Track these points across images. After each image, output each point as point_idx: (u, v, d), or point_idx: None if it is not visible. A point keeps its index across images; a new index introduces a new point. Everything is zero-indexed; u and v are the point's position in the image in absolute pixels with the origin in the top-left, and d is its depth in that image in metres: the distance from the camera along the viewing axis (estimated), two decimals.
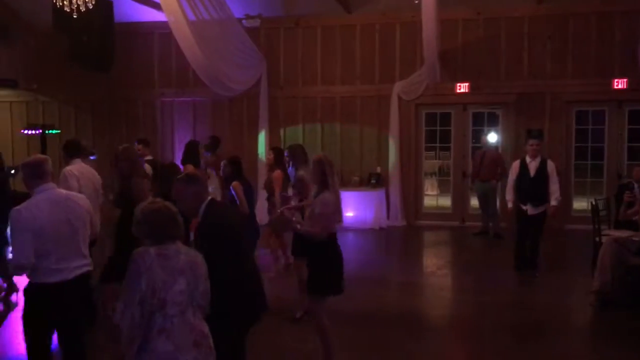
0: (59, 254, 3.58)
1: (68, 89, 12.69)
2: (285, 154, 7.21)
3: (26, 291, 3.65)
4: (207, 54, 10.00)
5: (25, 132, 11.37)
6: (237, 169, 6.47)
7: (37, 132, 11.13)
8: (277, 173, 7.30)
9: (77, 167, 5.79)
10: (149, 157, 8.16)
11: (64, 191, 3.88)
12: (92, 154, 7.57)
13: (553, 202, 7.64)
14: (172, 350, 2.71)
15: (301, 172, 6.36)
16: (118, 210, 5.42)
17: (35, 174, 3.65)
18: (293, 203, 6.47)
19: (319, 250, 4.57)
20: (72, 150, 5.96)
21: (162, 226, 2.92)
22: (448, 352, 5.48)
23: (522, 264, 7.88)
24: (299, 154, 6.75)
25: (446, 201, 12.51)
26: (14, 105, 13.20)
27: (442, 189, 13.49)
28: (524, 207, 7.71)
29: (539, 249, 7.86)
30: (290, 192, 7.18)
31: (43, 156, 3.83)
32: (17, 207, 3.51)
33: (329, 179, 4.55)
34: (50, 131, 11.59)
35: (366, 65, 12.00)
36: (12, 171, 9.68)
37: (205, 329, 2.91)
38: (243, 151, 12.24)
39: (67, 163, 5.90)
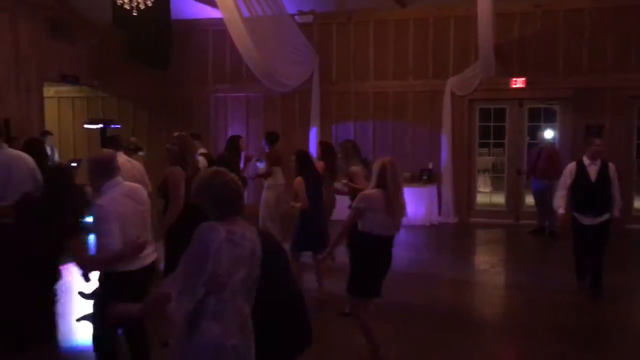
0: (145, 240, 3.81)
1: (127, 85, 13.08)
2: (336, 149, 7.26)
3: (107, 279, 3.78)
4: (261, 50, 10.12)
5: (87, 126, 11.77)
6: (303, 163, 6.50)
7: (98, 126, 11.51)
8: (320, 164, 7.38)
9: (120, 160, 6.10)
10: (202, 151, 8.31)
11: (129, 183, 4.01)
12: (140, 149, 7.81)
13: (616, 213, 6.65)
14: (221, 334, 2.66)
15: (353, 167, 6.39)
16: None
17: (106, 170, 3.77)
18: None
19: (362, 251, 4.55)
20: (111, 145, 6.42)
21: (229, 201, 2.77)
22: (500, 351, 5.38)
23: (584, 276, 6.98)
24: (350, 149, 6.79)
25: (500, 198, 12.27)
26: (76, 100, 13.70)
27: (496, 186, 13.23)
28: (582, 218, 6.69)
29: (602, 267, 6.73)
30: (340, 185, 7.21)
31: (111, 152, 3.99)
32: (98, 203, 3.64)
33: (388, 183, 4.47)
34: (109, 126, 11.96)
35: (419, 60, 11.88)
36: (74, 164, 10.06)
37: (248, 310, 2.83)
38: (294, 147, 12.32)
39: None
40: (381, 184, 4.49)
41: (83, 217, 3.68)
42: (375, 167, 4.62)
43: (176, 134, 5.38)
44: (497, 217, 11.73)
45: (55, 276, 3.89)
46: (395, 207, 4.51)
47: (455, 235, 11.03)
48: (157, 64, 11.74)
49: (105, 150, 4.03)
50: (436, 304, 6.53)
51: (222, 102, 13.03)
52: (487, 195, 12.84)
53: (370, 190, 4.54)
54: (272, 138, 8.93)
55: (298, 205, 6.31)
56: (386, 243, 4.60)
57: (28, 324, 3.60)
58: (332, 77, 12.35)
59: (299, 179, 6.35)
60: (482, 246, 10.34)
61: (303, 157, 6.60)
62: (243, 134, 12.47)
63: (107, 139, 6.69)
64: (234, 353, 2.70)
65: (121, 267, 3.73)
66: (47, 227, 3.56)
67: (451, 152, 11.65)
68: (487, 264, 8.73)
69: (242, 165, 8.09)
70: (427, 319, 5.97)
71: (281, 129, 12.47)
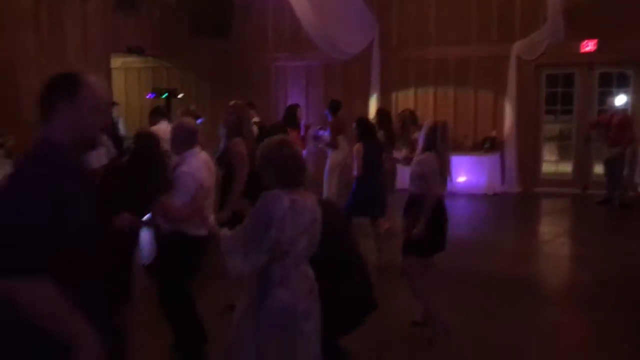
0: (209, 210, 3.98)
1: (189, 55, 13.31)
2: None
3: (176, 241, 3.93)
4: (320, 16, 10.05)
5: (151, 96, 12.10)
6: (363, 130, 6.54)
7: (162, 96, 11.80)
8: (358, 146, 7.30)
9: (161, 128, 6.75)
10: (256, 119, 8.38)
11: (205, 153, 4.14)
12: (198, 117, 7.99)
13: None
14: (290, 299, 2.75)
15: (415, 134, 6.35)
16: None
17: (190, 138, 3.95)
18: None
19: (418, 211, 4.55)
20: (157, 114, 7.18)
21: (294, 172, 2.83)
22: (563, 322, 5.27)
23: None
24: (407, 118, 6.72)
25: (566, 167, 11.87)
26: (142, 71, 14.08)
27: (562, 155, 12.78)
28: None
29: None
30: (401, 154, 7.16)
31: (194, 122, 4.15)
32: (184, 171, 3.82)
33: (437, 142, 4.53)
34: (173, 95, 12.25)
35: (483, 24, 11.50)
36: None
37: (313, 276, 2.90)
38: (354, 115, 12.26)
39: (153, 124, 7.10)
40: (431, 145, 4.54)
41: (166, 182, 3.80)
42: (425, 129, 4.65)
43: (232, 103, 5.29)
44: (564, 186, 11.36)
45: (137, 239, 4.07)
46: (446, 167, 4.59)
47: (518, 204, 10.78)
48: (219, 33, 11.87)
49: (189, 119, 4.14)
50: (498, 273, 6.44)
51: (282, 71, 13.07)
52: (553, 164, 12.44)
53: (424, 155, 4.53)
54: (334, 106, 8.82)
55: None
56: (438, 203, 4.61)
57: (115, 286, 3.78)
58: (392, 44, 12.15)
59: (358, 145, 6.39)
60: (547, 216, 10.07)
61: (363, 124, 6.63)
62: (302, 102, 12.53)
63: (153, 109, 7.19)
64: (305, 317, 2.79)
65: (193, 231, 3.89)
66: (133, 190, 3.69)
67: (516, 120, 11.31)
68: (552, 234, 8.51)
69: (302, 133, 8.12)
70: (488, 288, 5.90)
71: (341, 98, 12.40)
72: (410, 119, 6.68)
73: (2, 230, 1.80)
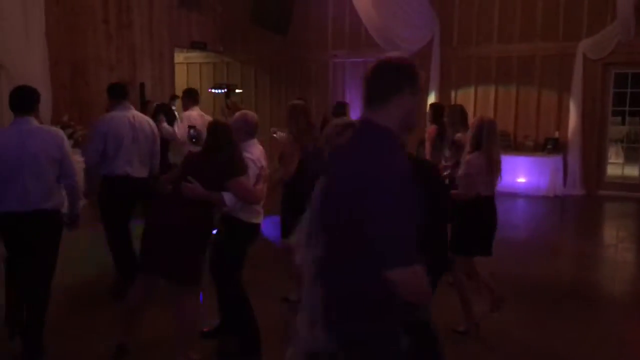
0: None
1: (249, 50, 13.54)
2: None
3: (232, 227, 4.11)
4: (381, 13, 10.04)
5: (213, 91, 12.35)
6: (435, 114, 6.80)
7: (222, 91, 12.03)
8: (431, 129, 7.22)
9: (192, 115, 7.20)
10: None
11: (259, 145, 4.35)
12: (238, 109, 8.14)
13: None
14: None
15: (458, 135, 6.19)
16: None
17: (252, 130, 4.23)
18: (443, 162, 6.37)
19: (465, 211, 4.49)
20: (188, 99, 7.54)
21: None
22: (626, 329, 5.07)
23: None
24: (457, 115, 6.53)
25: (633, 171, 11.42)
26: (203, 66, 14.40)
27: (629, 157, 12.30)
28: None
29: None
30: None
31: (255, 115, 4.35)
32: (248, 157, 4.03)
33: (483, 141, 4.45)
34: (232, 90, 12.47)
35: (549, 21, 11.17)
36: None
37: None
38: None
39: (186, 108, 7.48)
40: (479, 143, 4.46)
41: (241, 164, 3.98)
42: (472, 127, 4.58)
43: (290, 103, 5.42)
44: (630, 190, 10.93)
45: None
46: (495, 166, 4.50)
47: (581, 207, 10.45)
48: (279, 29, 12.00)
49: (252, 112, 4.34)
50: (557, 276, 6.28)
51: (341, 67, 13.10)
52: (618, 167, 11.98)
53: (474, 157, 4.46)
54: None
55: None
56: (486, 202, 4.54)
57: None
58: (452, 41, 11.97)
59: (432, 128, 6.58)
60: (611, 220, 9.72)
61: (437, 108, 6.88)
62: (360, 98, 12.54)
63: (186, 92, 7.71)
64: None
65: (252, 219, 4.14)
66: (210, 171, 3.86)
67: (581, 120, 10.95)
68: (615, 238, 8.22)
69: None
70: (547, 291, 5.75)
71: None
72: (460, 115, 6.35)
73: (399, 222, 1.89)
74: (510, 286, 5.64)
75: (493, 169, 4.50)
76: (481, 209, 4.53)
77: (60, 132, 4.18)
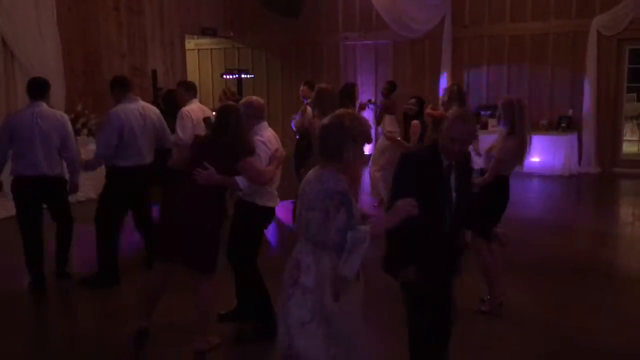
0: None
1: (260, 35, 13.50)
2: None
3: (248, 210, 4.15)
4: None
5: (224, 77, 12.35)
6: (421, 108, 6.63)
7: (235, 76, 12.04)
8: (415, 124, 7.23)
9: (194, 107, 6.17)
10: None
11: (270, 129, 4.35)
12: (238, 99, 8.07)
13: None
14: None
15: (450, 112, 6.18)
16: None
17: (260, 113, 4.22)
18: None
19: (484, 189, 4.48)
20: (189, 91, 6.40)
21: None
22: None
23: None
24: (454, 93, 6.51)
25: None
26: (214, 52, 14.40)
27: None
28: None
29: None
30: None
31: (261, 99, 4.32)
32: (258, 139, 4.03)
33: (515, 122, 4.40)
34: (244, 75, 12.48)
35: None
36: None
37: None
38: (424, 93, 12.10)
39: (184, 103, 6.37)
40: (510, 126, 4.42)
41: (249, 145, 4.01)
42: (502, 108, 4.50)
43: (317, 86, 5.61)
44: None
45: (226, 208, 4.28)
46: (524, 150, 4.45)
47: (596, 185, 10.37)
48: (289, 13, 11.94)
49: (257, 97, 4.33)
50: (576, 256, 6.25)
51: (351, 49, 13.03)
52: (634, 144, 11.87)
53: (510, 142, 4.40)
54: (389, 87, 9.13)
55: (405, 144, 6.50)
56: (505, 181, 4.56)
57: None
58: (464, 20, 11.85)
59: (415, 122, 6.45)
60: (627, 198, 9.65)
61: (421, 103, 6.75)
62: (371, 81, 12.50)
63: (181, 83, 6.69)
64: None
65: (268, 202, 4.16)
66: (220, 154, 3.88)
67: (595, 98, 10.83)
68: (632, 216, 8.17)
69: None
70: (566, 271, 5.73)
71: (410, 76, 12.33)
72: (457, 94, 6.34)
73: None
74: (528, 265, 5.65)
75: (524, 152, 4.44)
76: (500, 188, 4.51)
77: (65, 115, 5.23)
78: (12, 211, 5.49)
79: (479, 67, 11.87)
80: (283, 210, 5.48)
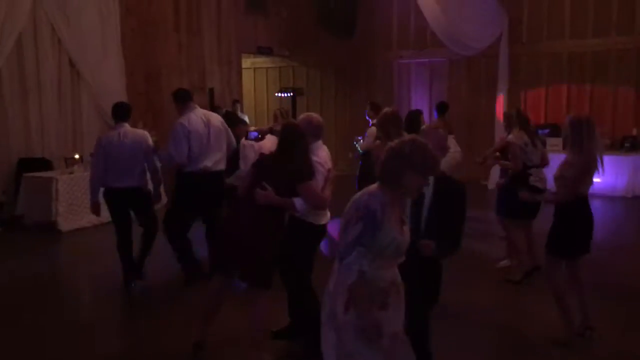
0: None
1: (315, 54, 13.65)
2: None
3: (298, 228, 4.15)
4: (447, 12, 9.91)
5: (279, 95, 12.55)
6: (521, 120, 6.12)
7: (289, 95, 12.22)
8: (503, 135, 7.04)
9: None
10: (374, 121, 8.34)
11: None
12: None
13: None
14: None
15: (510, 137, 6.01)
16: None
17: (318, 132, 4.23)
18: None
19: (562, 211, 4.33)
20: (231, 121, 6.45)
21: None
22: None
23: None
24: (513, 118, 6.29)
25: None
26: (269, 70, 14.65)
27: None
28: None
29: None
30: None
31: (319, 117, 4.33)
32: (317, 159, 4.05)
33: (584, 142, 4.20)
34: (299, 94, 12.62)
35: (624, 13, 10.70)
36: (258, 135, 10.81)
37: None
38: (480, 112, 11.97)
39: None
40: (579, 144, 4.21)
41: (309, 169, 4.01)
42: (570, 127, 4.27)
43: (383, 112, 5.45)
44: None
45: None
46: (594, 168, 4.27)
47: None
48: (344, 32, 12.06)
49: (316, 115, 4.35)
50: None
51: (406, 68, 13.01)
52: None
53: (576, 158, 4.23)
54: (441, 108, 8.96)
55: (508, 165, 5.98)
56: (584, 199, 4.36)
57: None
58: (522, 38, 11.66)
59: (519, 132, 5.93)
60: None
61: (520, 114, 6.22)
62: (426, 99, 12.42)
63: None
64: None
65: (320, 220, 4.17)
66: (281, 175, 3.90)
67: None
68: None
69: None
70: (633, 297, 5.48)
71: (466, 94, 12.19)
72: (517, 118, 6.13)
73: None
74: (595, 290, 5.42)
75: (593, 169, 4.27)
76: (579, 210, 4.33)
77: (146, 133, 5.67)
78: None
79: (537, 86, 11.62)
80: (334, 227, 5.47)
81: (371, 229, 2.64)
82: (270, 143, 6.24)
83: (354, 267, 2.68)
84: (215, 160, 5.65)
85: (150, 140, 5.62)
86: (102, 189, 5.58)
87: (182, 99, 5.72)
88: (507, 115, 6.43)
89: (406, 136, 2.88)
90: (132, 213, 5.66)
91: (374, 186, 2.75)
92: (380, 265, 2.71)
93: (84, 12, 9.19)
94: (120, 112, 5.64)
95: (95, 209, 5.64)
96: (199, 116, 5.64)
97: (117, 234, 5.65)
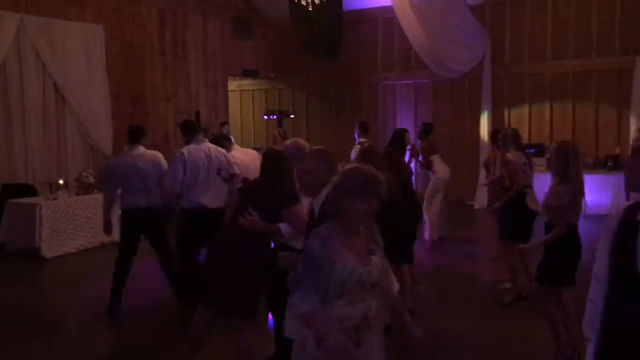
0: None
1: (301, 76, 13.72)
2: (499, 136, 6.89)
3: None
4: (430, 35, 10.03)
5: (265, 117, 12.58)
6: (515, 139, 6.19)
7: (275, 117, 12.26)
8: (492, 152, 7.19)
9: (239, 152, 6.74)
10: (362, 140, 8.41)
11: None
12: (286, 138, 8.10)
13: None
14: None
15: (509, 155, 6.06)
16: None
17: (305, 157, 4.08)
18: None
19: (559, 241, 4.33)
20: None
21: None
22: None
23: None
24: (509, 137, 6.37)
25: None
26: (255, 93, 14.69)
27: None
28: None
29: None
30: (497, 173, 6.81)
31: (306, 142, 4.34)
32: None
33: (570, 169, 4.24)
34: (285, 116, 12.65)
35: (604, 35, 10.89)
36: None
37: None
38: (464, 133, 12.07)
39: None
40: (565, 173, 4.24)
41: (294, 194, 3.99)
42: (555, 154, 4.33)
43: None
44: None
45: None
46: (581, 195, 4.31)
47: None
48: (329, 54, 12.15)
49: (302, 140, 4.36)
50: None
51: (391, 89, 13.11)
52: None
53: (562, 188, 4.25)
54: (426, 130, 8.84)
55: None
56: (574, 227, 4.35)
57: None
58: (504, 59, 11.82)
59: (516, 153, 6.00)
60: None
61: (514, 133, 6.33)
62: (411, 120, 12.51)
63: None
64: None
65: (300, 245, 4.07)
66: (266, 200, 3.86)
67: None
68: None
69: (406, 158, 8.00)
70: None
71: (450, 115, 12.30)
72: (512, 137, 6.20)
73: None
74: (581, 314, 5.43)
75: (578, 199, 4.30)
76: (574, 238, 4.33)
77: (159, 155, 5.83)
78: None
79: (520, 105, 11.76)
80: None
81: (317, 270, 2.50)
82: (239, 154, 6.27)
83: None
84: (213, 198, 5.42)
85: (163, 162, 5.77)
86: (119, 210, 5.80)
87: (187, 131, 5.64)
88: (503, 134, 6.47)
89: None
90: (139, 242, 5.69)
91: (323, 225, 2.63)
92: (349, 301, 2.54)
93: (68, 37, 9.21)
94: (134, 135, 5.81)
95: (107, 228, 5.80)
96: (203, 149, 5.48)
97: (119, 257, 5.70)
